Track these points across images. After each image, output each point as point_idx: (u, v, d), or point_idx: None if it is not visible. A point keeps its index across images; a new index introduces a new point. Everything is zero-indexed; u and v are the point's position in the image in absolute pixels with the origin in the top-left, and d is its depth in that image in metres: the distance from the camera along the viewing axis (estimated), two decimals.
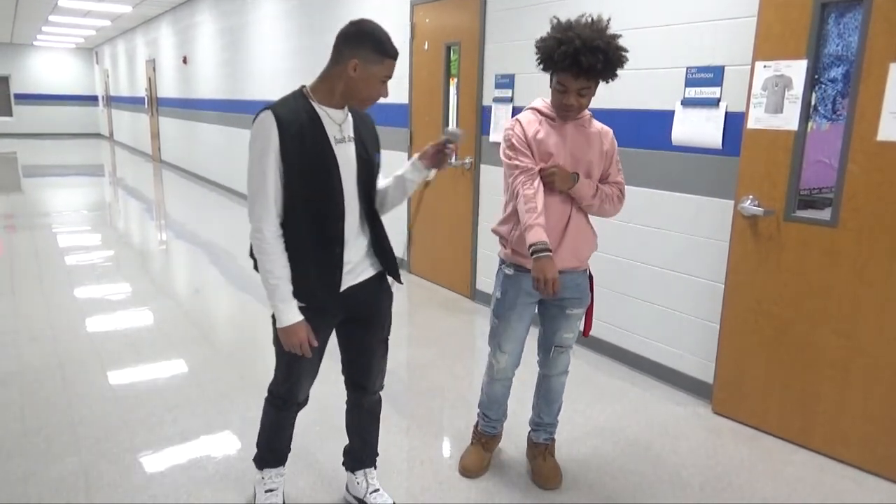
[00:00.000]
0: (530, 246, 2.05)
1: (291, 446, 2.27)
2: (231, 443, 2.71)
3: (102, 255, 5.94)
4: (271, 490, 2.22)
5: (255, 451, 2.24)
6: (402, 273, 4.62)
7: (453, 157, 2.00)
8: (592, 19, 2.07)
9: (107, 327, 4.04)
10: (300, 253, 1.87)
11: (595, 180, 2.24)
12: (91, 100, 21.61)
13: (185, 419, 2.88)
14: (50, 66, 20.76)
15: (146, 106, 14.55)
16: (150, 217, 8.26)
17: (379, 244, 2.03)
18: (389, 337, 2.17)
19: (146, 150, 15.24)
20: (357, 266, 1.98)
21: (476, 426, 2.60)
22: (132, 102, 16.19)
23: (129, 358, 3.56)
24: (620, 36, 2.08)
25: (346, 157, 1.89)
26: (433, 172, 2.00)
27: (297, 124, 1.79)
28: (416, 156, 2.03)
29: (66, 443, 2.66)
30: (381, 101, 1.98)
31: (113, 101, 18.84)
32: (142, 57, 14.57)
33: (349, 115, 1.93)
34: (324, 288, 1.91)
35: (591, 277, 2.36)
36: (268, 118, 1.78)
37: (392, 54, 1.83)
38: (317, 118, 1.83)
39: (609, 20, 2.10)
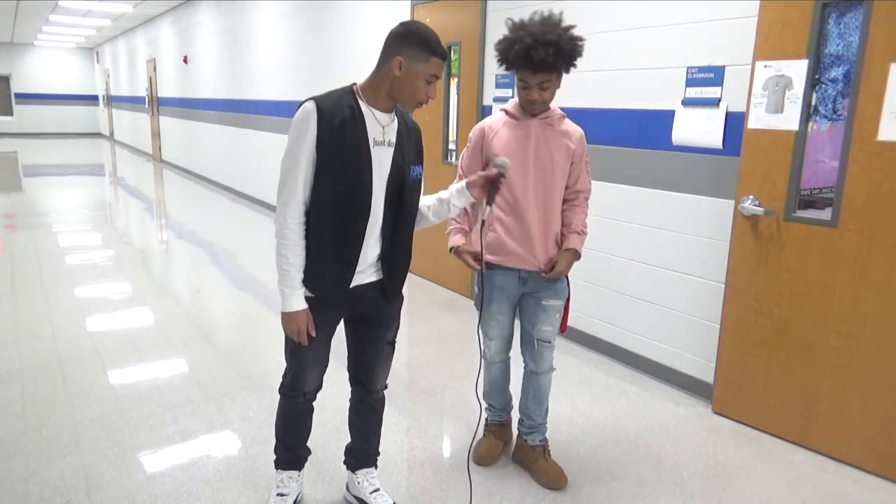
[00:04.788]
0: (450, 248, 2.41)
1: (309, 452, 2.27)
2: (231, 442, 2.71)
3: (103, 254, 5.94)
4: (282, 495, 2.21)
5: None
6: None
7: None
8: (543, 15, 2.17)
9: (107, 326, 4.04)
10: (320, 244, 1.89)
11: (561, 181, 2.34)
12: (92, 99, 21.62)
13: (185, 418, 2.89)
14: (50, 65, 20.77)
15: (147, 105, 14.56)
16: (150, 216, 8.26)
17: (392, 253, 1.99)
18: (396, 339, 2.18)
19: (147, 150, 15.25)
20: (369, 267, 1.98)
21: (486, 419, 2.68)
22: (133, 102, 16.20)
23: (130, 357, 3.56)
24: (574, 27, 2.17)
25: (381, 161, 1.89)
26: (489, 210, 1.97)
27: (338, 118, 1.80)
28: (463, 182, 2.02)
29: (66, 442, 2.66)
30: None
31: (113, 100, 18.85)
32: (142, 56, 14.57)
33: (396, 120, 1.93)
34: (334, 282, 1.93)
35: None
36: (310, 107, 1.79)
37: (439, 53, 1.80)
38: (360, 116, 1.84)
39: (561, 13, 2.19)
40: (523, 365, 2.52)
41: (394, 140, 1.91)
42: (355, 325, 2.12)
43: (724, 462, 2.66)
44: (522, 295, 2.42)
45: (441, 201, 2.04)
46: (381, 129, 1.87)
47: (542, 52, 2.09)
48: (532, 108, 2.26)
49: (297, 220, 1.86)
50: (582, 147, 2.35)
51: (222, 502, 2.30)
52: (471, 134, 2.43)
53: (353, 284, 1.95)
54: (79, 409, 2.95)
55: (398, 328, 2.18)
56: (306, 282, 1.92)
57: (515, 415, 2.71)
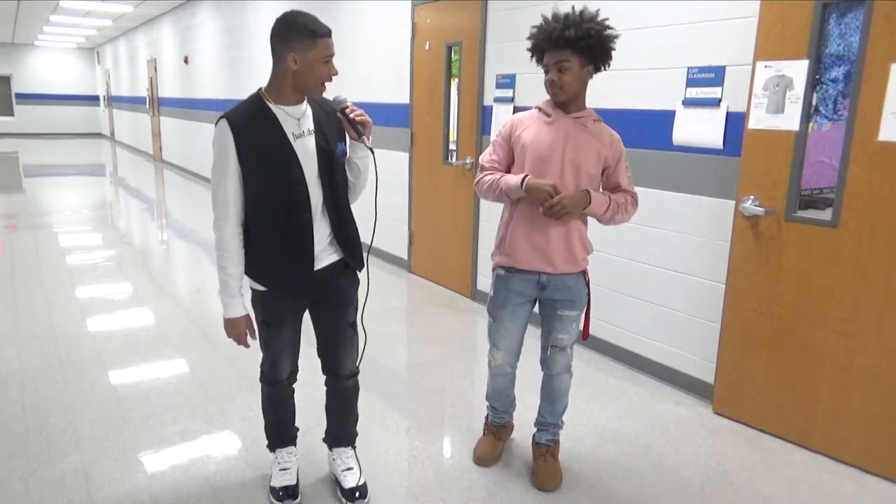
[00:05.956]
0: (522, 184, 2.17)
1: (297, 429, 2.39)
2: (231, 442, 2.71)
3: (103, 254, 5.94)
4: (285, 469, 2.32)
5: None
6: (403, 273, 4.60)
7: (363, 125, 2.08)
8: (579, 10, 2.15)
9: (108, 327, 4.04)
10: (270, 244, 1.99)
11: (589, 185, 2.23)
12: (92, 99, 21.62)
13: (185, 418, 2.89)
14: (51, 65, 20.77)
15: (147, 106, 14.56)
16: (150, 217, 8.27)
17: (342, 231, 2.09)
18: (356, 322, 2.24)
19: (147, 150, 15.25)
20: (322, 252, 2.06)
21: (486, 418, 2.66)
22: (133, 102, 16.20)
23: (130, 357, 3.56)
24: (605, 19, 2.15)
25: (306, 151, 1.97)
26: (364, 138, 2.04)
27: (251, 127, 1.90)
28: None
29: (66, 442, 2.66)
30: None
31: (114, 100, 18.85)
32: (143, 57, 14.58)
33: (308, 108, 2.00)
34: (298, 273, 2.02)
35: (587, 282, 2.36)
36: (223, 125, 1.89)
37: (322, 33, 1.88)
38: (272, 117, 1.92)
39: (598, 11, 2.17)
40: (539, 366, 2.50)
41: (312, 127, 1.99)
42: (317, 311, 2.20)
43: (724, 462, 2.66)
44: (539, 301, 2.37)
45: (348, 162, 2.11)
46: (295, 122, 1.95)
47: (554, 24, 2.11)
48: (553, 92, 2.19)
49: (231, 232, 1.97)
50: (617, 151, 2.26)
51: (223, 502, 2.30)
52: (500, 128, 2.37)
53: (315, 268, 2.05)
54: (79, 409, 2.95)
55: (356, 309, 2.24)
56: (271, 280, 2.03)
57: (515, 420, 2.72)
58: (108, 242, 6.46)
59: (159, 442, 2.69)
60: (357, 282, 2.22)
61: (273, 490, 2.28)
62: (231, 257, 1.98)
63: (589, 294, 2.37)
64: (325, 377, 2.31)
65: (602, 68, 2.20)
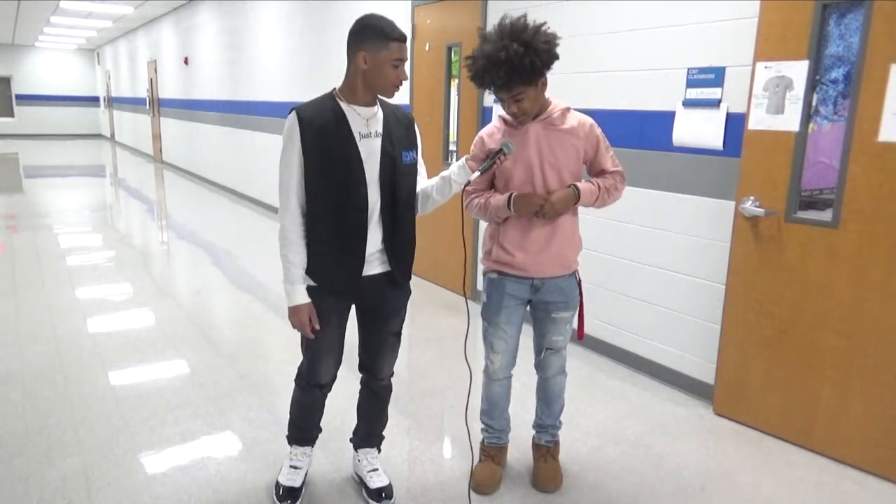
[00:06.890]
0: (507, 203, 2.17)
1: (320, 431, 2.38)
2: (232, 443, 2.71)
3: (104, 255, 5.94)
4: (295, 468, 2.32)
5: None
6: None
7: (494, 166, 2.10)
8: (506, 24, 2.02)
9: (108, 328, 4.04)
10: (324, 240, 2.00)
11: (576, 178, 2.22)
12: (93, 101, 21.63)
13: (186, 419, 2.89)
14: (51, 66, 20.78)
15: (148, 107, 14.57)
16: (151, 218, 8.26)
17: (395, 238, 2.07)
18: (401, 331, 2.25)
19: (147, 151, 15.26)
20: (372, 257, 2.06)
21: (482, 441, 2.55)
22: (134, 103, 16.21)
23: (131, 358, 3.56)
24: (541, 26, 2.02)
25: (370, 151, 1.98)
26: (475, 175, 2.03)
27: (319, 121, 1.92)
28: (464, 158, 2.07)
29: (67, 443, 2.66)
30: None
31: (114, 101, 18.86)
32: (143, 58, 14.58)
33: (379, 112, 2.02)
34: (345, 274, 2.03)
35: (579, 282, 2.35)
36: (292, 118, 1.93)
37: (395, 36, 1.89)
38: (342, 115, 1.95)
39: (524, 17, 2.04)
40: (534, 369, 2.49)
41: (380, 130, 2.01)
42: (364, 315, 2.22)
43: (724, 463, 2.66)
44: (531, 304, 2.35)
45: (444, 179, 2.09)
46: (364, 122, 1.97)
47: (493, 75, 2.02)
48: (516, 119, 2.17)
49: (293, 222, 1.99)
50: (594, 138, 2.21)
51: (223, 503, 2.30)
52: (472, 147, 2.32)
53: (363, 274, 2.04)
54: (79, 409, 2.95)
55: (403, 320, 2.25)
56: (318, 276, 2.02)
57: (515, 420, 2.71)
58: (108, 243, 6.46)
59: (160, 443, 2.69)
60: (408, 292, 2.22)
61: (277, 485, 2.29)
62: (292, 246, 1.99)
63: (581, 293, 2.37)
64: (361, 376, 2.33)
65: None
